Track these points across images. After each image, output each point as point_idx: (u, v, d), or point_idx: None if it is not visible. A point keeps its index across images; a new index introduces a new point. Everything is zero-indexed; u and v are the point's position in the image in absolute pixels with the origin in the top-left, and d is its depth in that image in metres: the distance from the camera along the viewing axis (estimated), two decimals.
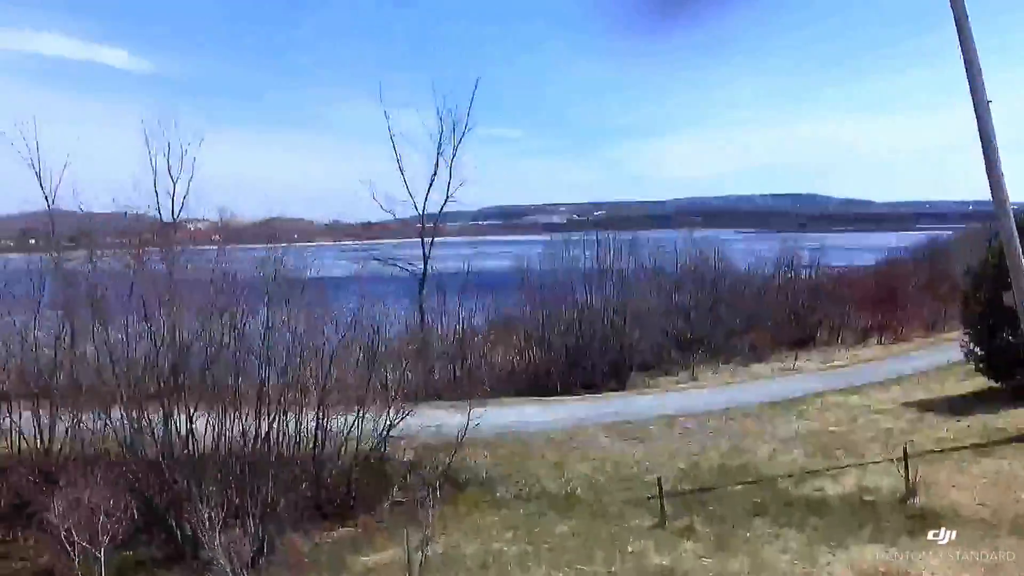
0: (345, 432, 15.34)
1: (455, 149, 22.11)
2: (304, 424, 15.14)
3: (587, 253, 27.16)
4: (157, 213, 25.61)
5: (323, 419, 15.69)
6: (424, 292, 22.35)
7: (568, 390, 21.98)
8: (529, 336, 25.50)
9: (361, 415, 15.79)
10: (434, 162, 21.68)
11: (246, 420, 14.41)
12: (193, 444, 13.67)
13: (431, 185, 21.94)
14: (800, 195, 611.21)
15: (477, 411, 15.58)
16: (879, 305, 30.65)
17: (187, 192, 24.68)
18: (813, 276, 34.17)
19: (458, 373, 22.86)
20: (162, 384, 15.02)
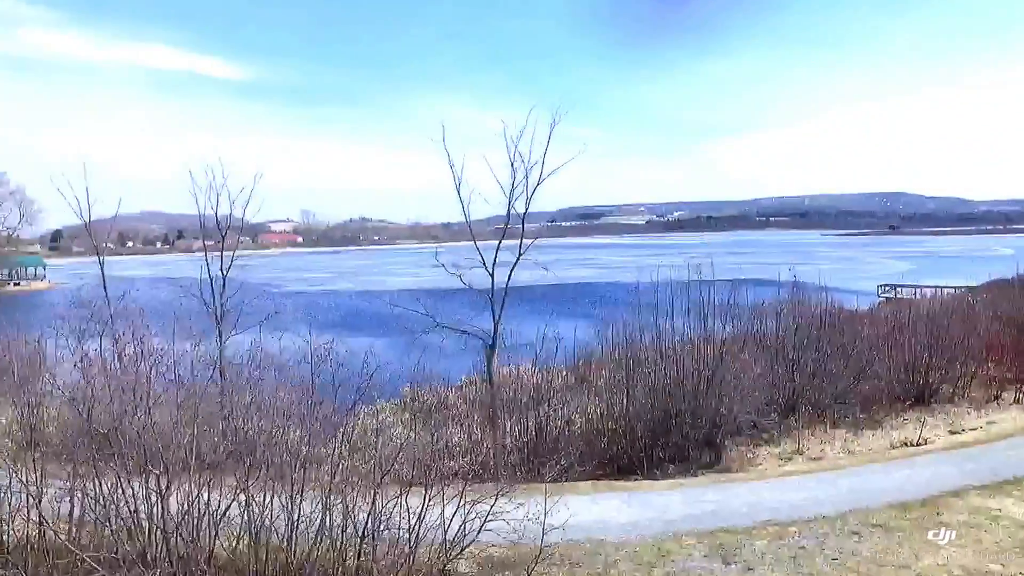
0: (400, 533, 13.33)
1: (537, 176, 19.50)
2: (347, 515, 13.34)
3: (676, 299, 24.69)
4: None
5: (376, 511, 13.76)
6: (499, 320, 19.82)
7: (656, 464, 19.51)
8: (612, 391, 23.12)
9: (423, 509, 13.71)
10: (513, 170, 19.20)
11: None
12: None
13: (511, 198, 19.55)
14: (891, 193, 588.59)
15: (551, 499, 13.50)
16: (1017, 355, 26.85)
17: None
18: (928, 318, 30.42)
19: (530, 440, 20.63)
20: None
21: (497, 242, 19.03)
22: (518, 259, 18.82)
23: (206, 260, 23.27)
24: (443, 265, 21.15)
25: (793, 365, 23.49)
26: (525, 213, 18.41)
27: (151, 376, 20.54)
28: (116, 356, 20.65)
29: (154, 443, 15.76)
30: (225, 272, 20.73)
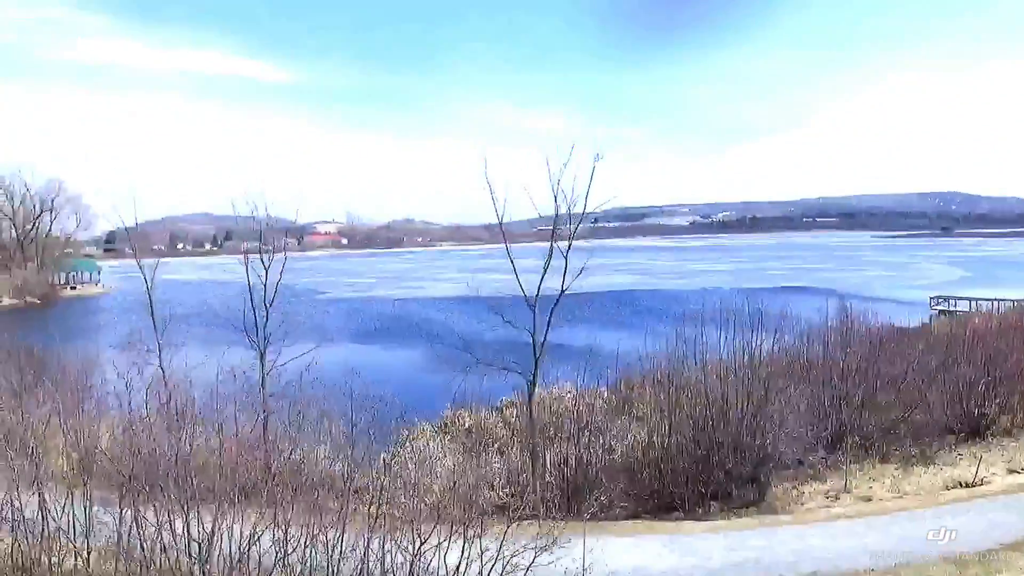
0: None
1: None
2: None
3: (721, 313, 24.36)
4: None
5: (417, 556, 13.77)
6: (540, 356, 19.51)
7: (698, 501, 19.15)
8: (654, 417, 22.83)
9: (462, 561, 13.63)
10: (556, 206, 18.92)
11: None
12: None
13: (554, 233, 19.31)
14: (943, 193, 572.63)
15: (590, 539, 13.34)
16: None
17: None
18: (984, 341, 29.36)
19: (570, 471, 20.39)
20: None
21: (542, 273, 18.78)
22: (559, 297, 18.61)
23: (248, 280, 23.00)
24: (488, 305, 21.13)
25: (841, 396, 22.85)
26: (568, 249, 18.18)
27: (195, 411, 20.98)
28: (163, 384, 21.13)
29: (197, 478, 16.07)
30: (269, 304, 20.79)
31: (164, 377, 20.91)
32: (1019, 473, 20.80)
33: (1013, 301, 57.05)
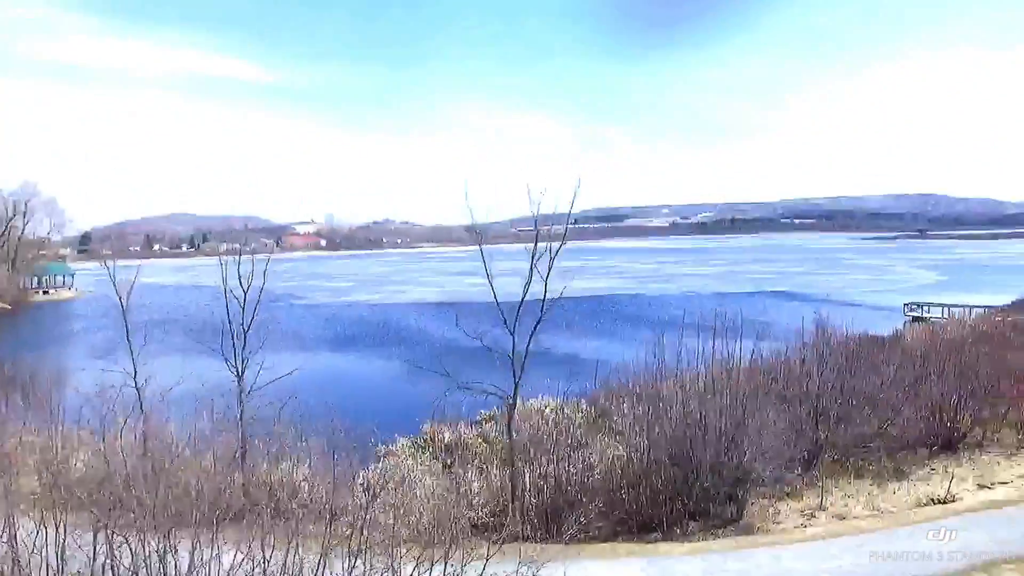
0: None
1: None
2: None
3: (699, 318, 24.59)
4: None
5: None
6: (519, 380, 19.43)
7: (676, 520, 19.24)
8: (632, 432, 22.95)
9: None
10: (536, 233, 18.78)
11: None
12: None
13: (533, 262, 19.25)
14: (920, 195, 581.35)
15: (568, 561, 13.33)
16: None
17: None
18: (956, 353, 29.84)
19: (549, 490, 20.39)
20: None
21: (521, 298, 18.78)
22: (539, 321, 18.64)
23: (226, 290, 22.26)
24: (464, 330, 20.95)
25: (817, 413, 23.09)
26: (548, 274, 18.22)
27: (171, 432, 20.75)
28: (138, 403, 20.89)
29: (173, 502, 15.92)
30: (246, 328, 20.52)
31: (139, 396, 20.71)
32: (989, 488, 21.12)
33: (983, 308, 58.17)
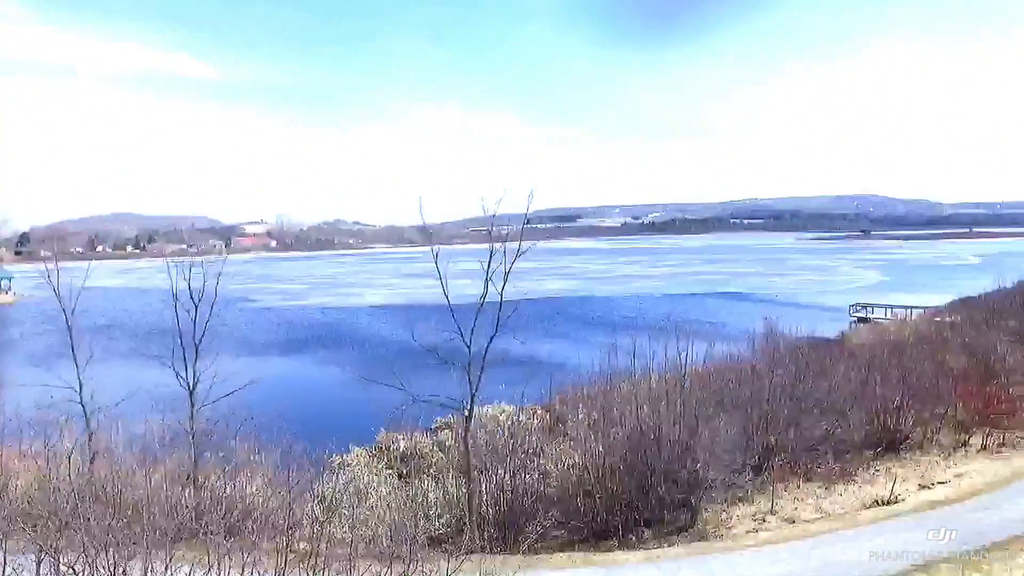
0: None
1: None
2: None
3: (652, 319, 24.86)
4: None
5: None
6: (476, 391, 19.31)
7: (631, 528, 19.50)
8: (587, 437, 23.13)
9: None
10: (491, 246, 18.59)
11: None
12: None
13: (488, 273, 19.16)
14: (861, 196, 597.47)
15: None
16: (984, 399, 27.24)
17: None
18: (898, 356, 30.88)
19: (506, 500, 20.44)
20: None
21: (476, 309, 18.77)
22: (493, 336, 18.67)
23: (174, 292, 21.46)
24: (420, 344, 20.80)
25: (768, 418, 23.63)
26: (503, 286, 18.27)
27: (120, 449, 20.22)
28: (83, 416, 20.30)
29: (123, 523, 15.52)
30: (198, 343, 19.99)
31: (84, 412, 20.10)
32: (930, 489, 21.90)
33: (923, 309, 60.18)
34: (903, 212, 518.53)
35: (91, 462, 19.49)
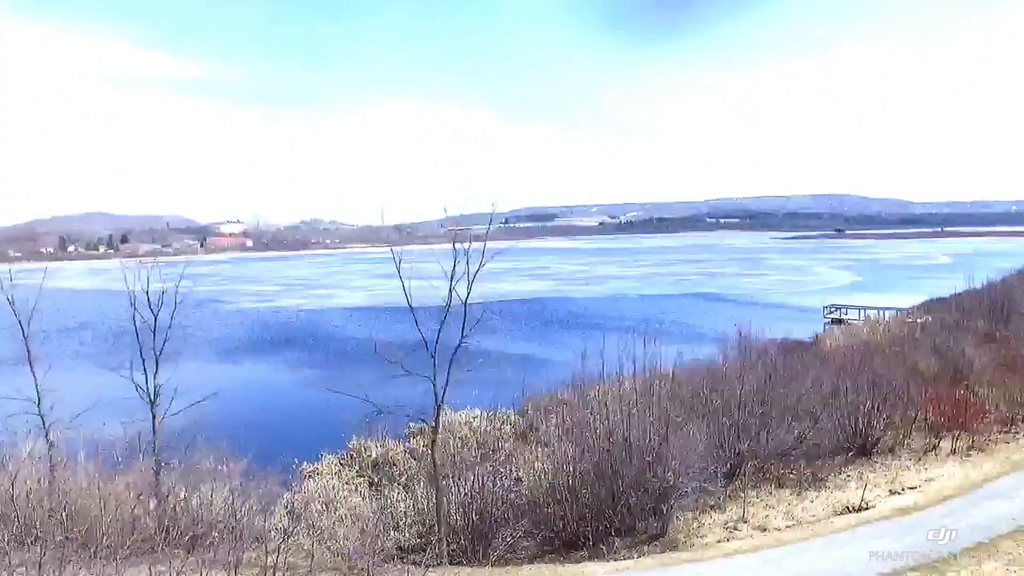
0: None
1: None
2: None
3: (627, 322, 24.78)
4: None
5: None
6: (441, 402, 18.99)
7: (602, 537, 19.34)
8: (559, 444, 22.96)
9: None
10: (455, 253, 18.17)
11: None
12: None
13: (452, 282, 18.85)
14: (835, 195, 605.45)
15: None
16: (953, 402, 27.43)
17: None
18: (870, 358, 31.04)
19: (476, 509, 20.15)
20: None
21: (443, 316, 18.47)
22: (458, 346, 18.41)
23: (132, 300, 20.68)
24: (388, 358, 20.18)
25: (739, 425, 23.59)
26: (467, 297, 18.00)
27: (81, 460, 19.72)
28: (44, 434, 19.78)
29: (83, 535, 15.13)
30: (159, 353, 19.48)
31: (43, 423, 19.53)
32: (900, 494, 21.96)
33: (895, 310, 60.82)
34: (876, 211, 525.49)
35: (51, 473, 19.01)
